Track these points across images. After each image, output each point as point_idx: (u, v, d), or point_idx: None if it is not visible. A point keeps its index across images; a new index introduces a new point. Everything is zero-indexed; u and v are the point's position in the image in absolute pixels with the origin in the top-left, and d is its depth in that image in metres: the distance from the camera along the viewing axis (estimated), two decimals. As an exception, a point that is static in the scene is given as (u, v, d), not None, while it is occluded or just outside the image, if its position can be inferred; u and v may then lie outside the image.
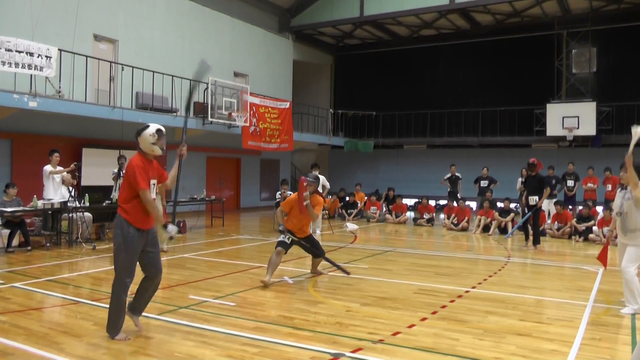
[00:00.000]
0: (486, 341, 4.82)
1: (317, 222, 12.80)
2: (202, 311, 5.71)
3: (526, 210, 11.46)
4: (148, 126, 4.74)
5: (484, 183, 15.79)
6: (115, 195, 11.51)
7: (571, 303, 6.36)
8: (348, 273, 7.73)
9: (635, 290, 5.87)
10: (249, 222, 16.55)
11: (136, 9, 15.83)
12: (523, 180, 12.85)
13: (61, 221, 10.31)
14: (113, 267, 4.80)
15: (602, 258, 7.04)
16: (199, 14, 18.04)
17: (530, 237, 11.20)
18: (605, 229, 12.13)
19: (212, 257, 9.52)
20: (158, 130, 4.72)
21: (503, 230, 13.60)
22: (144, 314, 5.52)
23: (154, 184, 4.79)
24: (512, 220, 13.55)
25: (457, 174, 16.61)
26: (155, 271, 4.85)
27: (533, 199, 11.17)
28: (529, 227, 11.30)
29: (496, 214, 13.83)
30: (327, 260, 7.77)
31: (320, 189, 13.22)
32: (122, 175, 12.06)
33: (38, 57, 11.28)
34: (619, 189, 6.48)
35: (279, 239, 7.39)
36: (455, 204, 15.55)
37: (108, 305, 4.76)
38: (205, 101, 15.97)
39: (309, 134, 21.47)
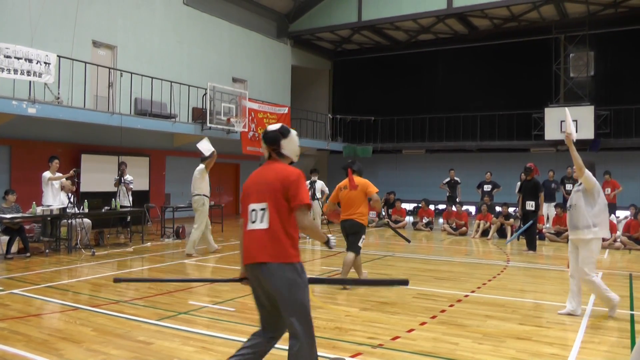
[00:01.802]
0: (486, 345, 4.82)
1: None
2: (202, 316, 5.70)
3: (521, 220, 11.55)
4: (286, 126, 3.69)
5: (487, 187, 15.76)
6: (118, 202, 11.50)
7: (570, 307, 6.35)
8: (409, 241, 9.01)
9: (603, 292, 5.79)
10: (248, 227, 16.53)
11: (135, 15, 15.87)
12: (520, 184, 12.90)
13: (60, 227, 10.32)
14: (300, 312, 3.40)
15: None
16: (197, 20, 18.09)
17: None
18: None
19: (212, 263, 9.51)
20: None
21: (502, 234, 13.61)
22: (142, 319, 5.53)
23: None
24: (511, 226, 13.56)
25: (455, 178, 16.62)
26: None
27: (530, 204, 11.21)
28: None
29: (494, 218, 13.86)
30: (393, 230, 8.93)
31: (318, 194, 13.34)
32: (123, 181, 12.09)
33: (37, 63, 11.30)
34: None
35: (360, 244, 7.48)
36: (453, 208, 15.57)
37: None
38: (204, 107, 16.00)
39: (307, 139, 21.49)
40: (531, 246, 11.17)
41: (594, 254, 5.82)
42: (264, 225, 3.41)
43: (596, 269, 5.91)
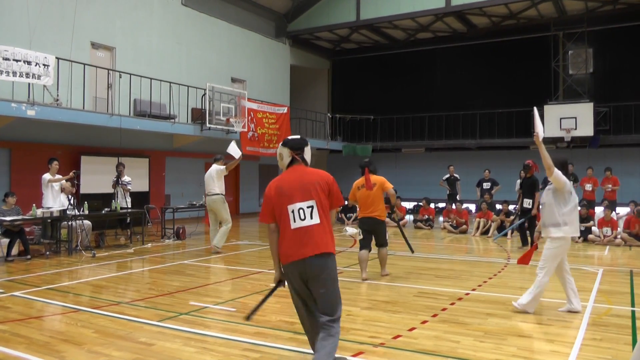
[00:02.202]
0: (487, 343, 4.82)
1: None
2: (203, 317, 5.71)
3: (519, 214, 11.54)
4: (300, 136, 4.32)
5: (486, 185, 15.73)
6: (117, 203, 11.51)
7: (571, 304, 6.35)
8: (412, 251, 9.07)
9: (537, 293, 5.79)
10: (248, 227, 16.53)
11: (133, 16, 15.86)
12: (520, 181, 12.90)
13: (60, 229, 10.31)
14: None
15: (523, 258, 6.63)
16: (195, 20, 18.09)
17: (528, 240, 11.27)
18: (605, 229, 12.17)
19: (212, 263, 9.52)
20: None
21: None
22: (144, 320, 5.53)
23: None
24: (512, 223, 13.56)
25: (455, 174, 16.60)
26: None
27: (527, 202, 11.21)
28: (527, 231, 11.35)
29: (494, 216, 13.86)
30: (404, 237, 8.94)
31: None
32: (120, 183, 12.08)
33: (36, 65, 11.30)
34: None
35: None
36: (453, 206, 15.55)
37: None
38: (203, 107, 15.99)
39: (307, 138, 21.46)
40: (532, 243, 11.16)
41: (558, 252, 5.79)
42: (315, 220, 3.83)
43: (551, 273, 5.85)
